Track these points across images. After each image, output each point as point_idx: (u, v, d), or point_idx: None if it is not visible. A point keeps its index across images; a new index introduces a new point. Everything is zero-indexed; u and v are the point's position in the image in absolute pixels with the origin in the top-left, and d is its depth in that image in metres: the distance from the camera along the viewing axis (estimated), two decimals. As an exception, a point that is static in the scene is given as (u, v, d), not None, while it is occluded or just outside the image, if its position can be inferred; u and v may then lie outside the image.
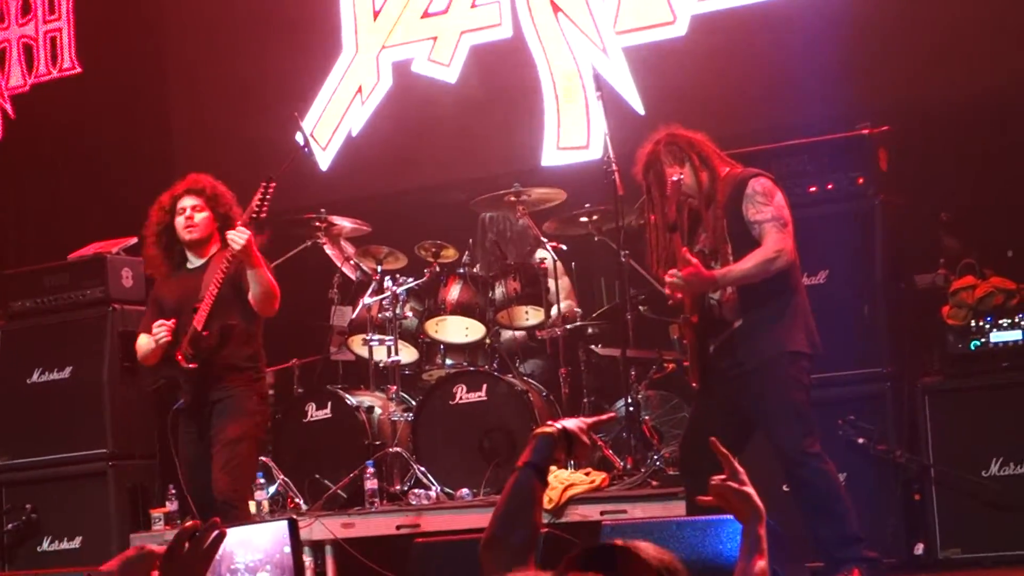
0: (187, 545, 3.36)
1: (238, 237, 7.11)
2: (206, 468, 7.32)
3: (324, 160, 10.03)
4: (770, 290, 6.38)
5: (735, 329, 6.47)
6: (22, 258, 9.07)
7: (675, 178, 6.42)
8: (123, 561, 3.42)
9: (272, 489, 8.76)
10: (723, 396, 6.51)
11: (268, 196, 7.25)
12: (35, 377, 9.35)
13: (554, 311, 8.82)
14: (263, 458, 8.81)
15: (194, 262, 7.48)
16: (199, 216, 7.39)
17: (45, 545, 9.16)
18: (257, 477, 8.16)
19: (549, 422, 3.98)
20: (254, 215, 7.22)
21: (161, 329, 7.29)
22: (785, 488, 6.52)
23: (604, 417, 4.44)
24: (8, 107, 11.12)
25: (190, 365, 7.32)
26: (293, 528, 7.01)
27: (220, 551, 3.52)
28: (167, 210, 7.43)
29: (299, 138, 9.40)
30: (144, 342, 7.46)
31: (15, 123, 11.02)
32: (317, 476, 8.77)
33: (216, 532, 3.43)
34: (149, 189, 7.71)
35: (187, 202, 7.40)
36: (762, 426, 6.51)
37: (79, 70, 10.87)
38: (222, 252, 7.33)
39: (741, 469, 3.69)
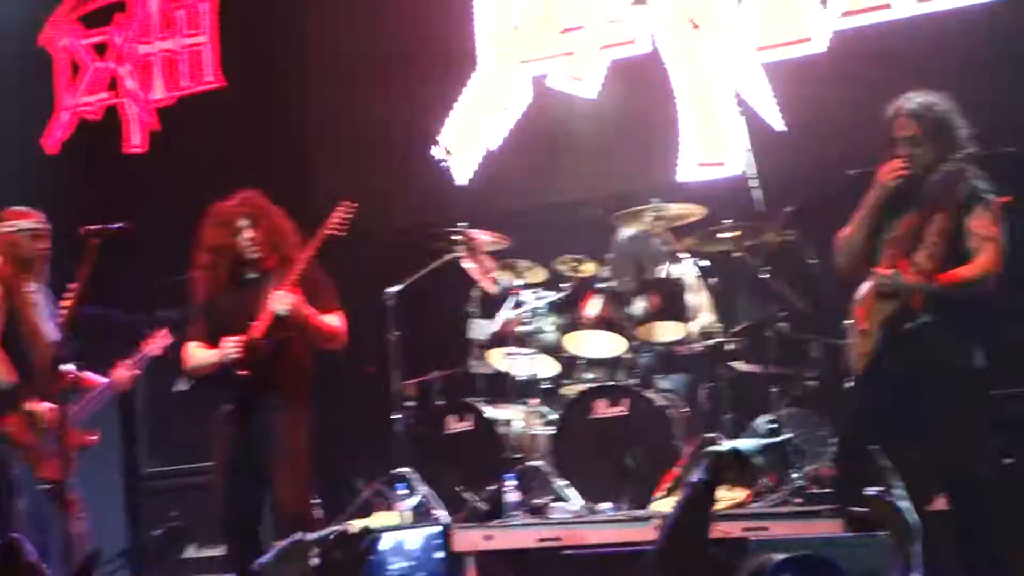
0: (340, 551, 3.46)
1: (281, 304, 7.28)
2: (249, 476, 7.40)
3: (463, 174, 10.15)
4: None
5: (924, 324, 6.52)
6: (168, 268, 9.15)
7: None
8: (280, 550, 3.51)
9: (412, 500, 8.84)
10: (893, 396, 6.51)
11: (347, 217, 7.38)
12: (181, 384, 9.32)
13: (694, 326, 8.87)
14: (404, 469, 9.01)
15: (251, 275, 7.58)
16: (257, 234, 7.50)
17: (191, 552, 9.33)
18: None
19: (719, 440, 4.05)
20: (330, 234, 7.35)
21: (233, 347, 7.38)
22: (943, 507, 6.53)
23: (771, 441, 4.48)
24: (153, 120, 11.38)
25: (241, 372, 7.39)
26: (446, 534, 7.16)
27: (373, 555, 3.63)
28: (224, 227, 7.55)
29: (438, 152, 9.75)
30: (199, 353, 7.56)
31: (159, 135, 11.30)
32: (458, 488, 8.85)
33: (370, 536, 3.58)
34: (288, 200, 7.84)
35: (244, 221, 7.51)
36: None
37: (222, 84, 11.12)
38: (279, 267, 7.47)
39: (900, 482, 3.67)
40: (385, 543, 6.84)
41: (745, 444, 4.04)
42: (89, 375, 8.10)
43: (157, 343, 8.30)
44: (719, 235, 8.85)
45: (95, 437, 7.90)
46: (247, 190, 7.65)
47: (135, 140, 11.39)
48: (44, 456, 7.64)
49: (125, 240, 7.81)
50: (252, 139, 10.60)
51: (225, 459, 7.52)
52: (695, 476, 3.91)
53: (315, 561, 3.58)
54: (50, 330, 7.80)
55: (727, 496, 7.97)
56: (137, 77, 11.44)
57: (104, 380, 8.12)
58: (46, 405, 7.64)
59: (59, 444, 7.55)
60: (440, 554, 7.18)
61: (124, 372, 8.15)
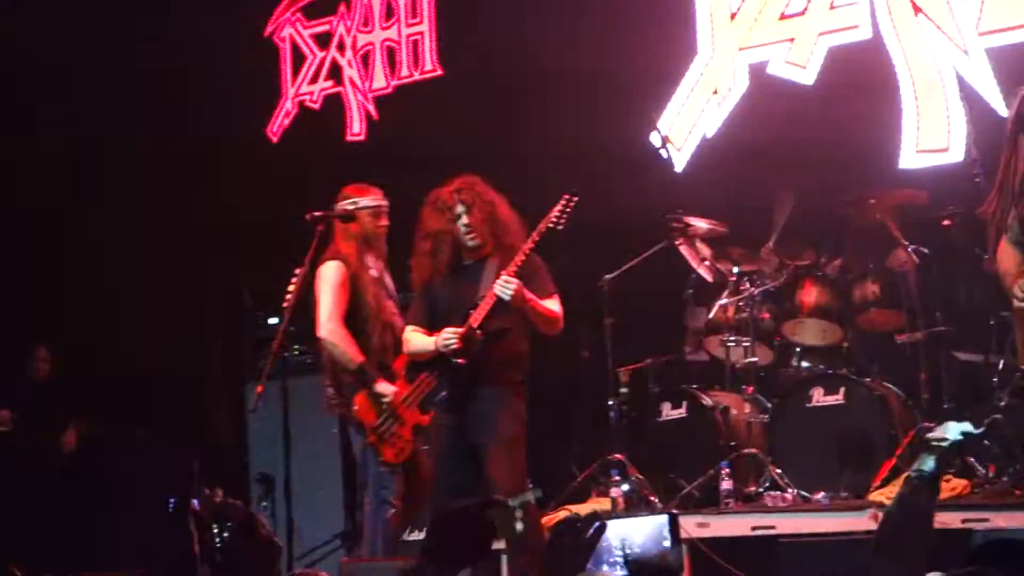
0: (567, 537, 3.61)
1: (505, 289, 7.43)
2: (463, 461, 7.58)
3: (680, 161, 10.33)
4: None
5: None
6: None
7: None
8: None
9: (626, 486, 9.08)
10: None
11: (568, 209, 7.54)
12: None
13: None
14: (618, 456, 9.26)
15: (468, 261, 7.76)
16: (474, 220, 7.66)
17: (412, 536, 9.06)
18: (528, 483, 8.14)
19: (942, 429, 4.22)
20: (551, 225, 7.51)
21: (452, 338, 7.56)
22: None
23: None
24: (371, 108, 11.85)
25: (458, 361, 7.58)
26: (674, 523, 7.44)
27: (601, 542, 3.68)
28: (442, 212, 7.73)
29: (655, 139, 9.91)
30: (417, 338, 7.75)
31: (378, 124, 11.74)
32: (672, 475, 9.07)
33: (598, 523, 3.58)
34: (508, 188, 8.04)
35: (461, 207, 7.68)
36: None
37: (440, 72, 11.51)
38: (498, 252, 7.66)
39: None
40: (612, 530, 7.09)
41: (962, 429, 4.14)
42: None
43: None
44: (942, 223, 8.92)
45: (427, 417, 8.00)
46: (466, 175, 7.83)
47: (355, 128, 11.88)
48: (387, 438, 7.93)
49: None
50: (468, 128, 10.94)
51: (441, 447, 7.77)
52: (923, 468, 3.92)
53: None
54: (391, 309, 8.15)
55: (944, 487, 7.73)
56: (357, 66, 11.93)
57: None
58: (391, 386, 7.92)
59: (400, 425, 7.89)
60: (667, 543, 7.44)
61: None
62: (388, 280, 8.28)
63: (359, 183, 8.31)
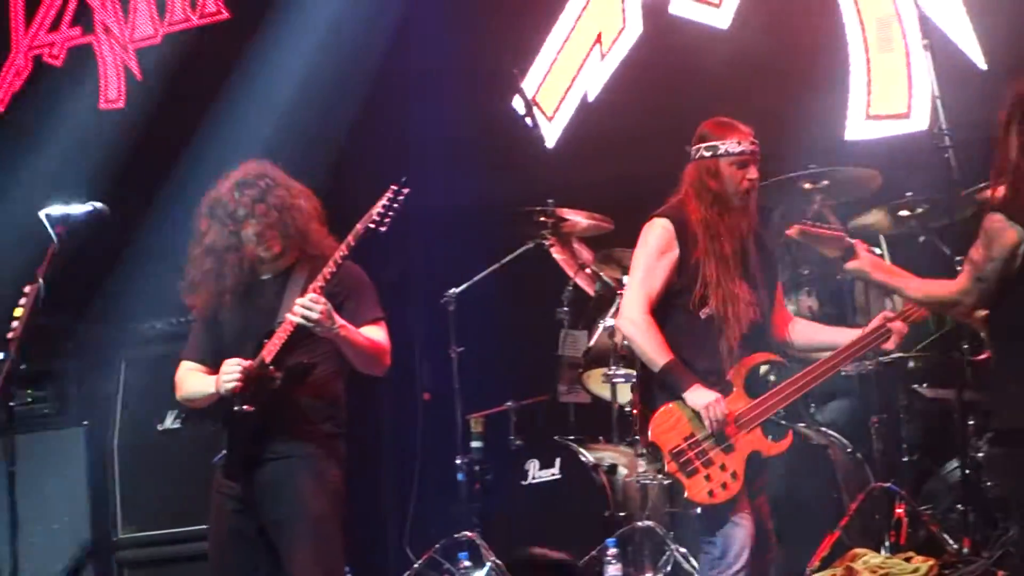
0: None
1: (309, 313, 7.15)
2: (252, 547, 7.32)
3: (551, 134, 10.29)
4: None
5: None
6: (156, 264, 9.23)
7: None
8: None
9: (479, 575, 9.05)
10: None
11: (396, 205, 7.24)
12: (168, 423, 9.60)
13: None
14: (468, 533, 9.12)
15: (266, 275, 7.54)
16: (268, 222, 7.38)
17: None
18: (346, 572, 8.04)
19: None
20: (372, 226, 7.21)
21: (234, 371, 7.26)
22: None
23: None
24: (133, 65, 11.57)
25: (245, 407, 7.29)
26: None
27: None
28: (225, 221, 7.44)
29: (518, 104, 9.78)
30: (194, 379, 7.53)
31: (141, 87, 11.50)
32: (537, 554, 8.92)
33: None
34: (315, 176, 7.86)
35: (244, 210, 7.39)
36: None
37: (226, 15, 11.27)
38: (306, 262, 7.45)
39: None
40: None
41: None
42: None
43: None
44: (899, 212, 8.86)
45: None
46: (254, 161, 7.59)
47: (111, 93, 11.65)
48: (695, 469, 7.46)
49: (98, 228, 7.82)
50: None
51: (221, 524, 7.47)
52: None
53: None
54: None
55: (905, 568, 8.07)
56: (114, 8, 11.67)
57: None
58: (712, 394, 7.45)
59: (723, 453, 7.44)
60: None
61: None
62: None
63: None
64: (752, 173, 7.55)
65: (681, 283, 7.47)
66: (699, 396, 7.32)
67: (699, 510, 7.42)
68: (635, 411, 8.00)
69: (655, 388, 7.49)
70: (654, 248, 7.54)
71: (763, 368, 7.48)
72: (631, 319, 7.46)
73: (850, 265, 7.13)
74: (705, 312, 7.38)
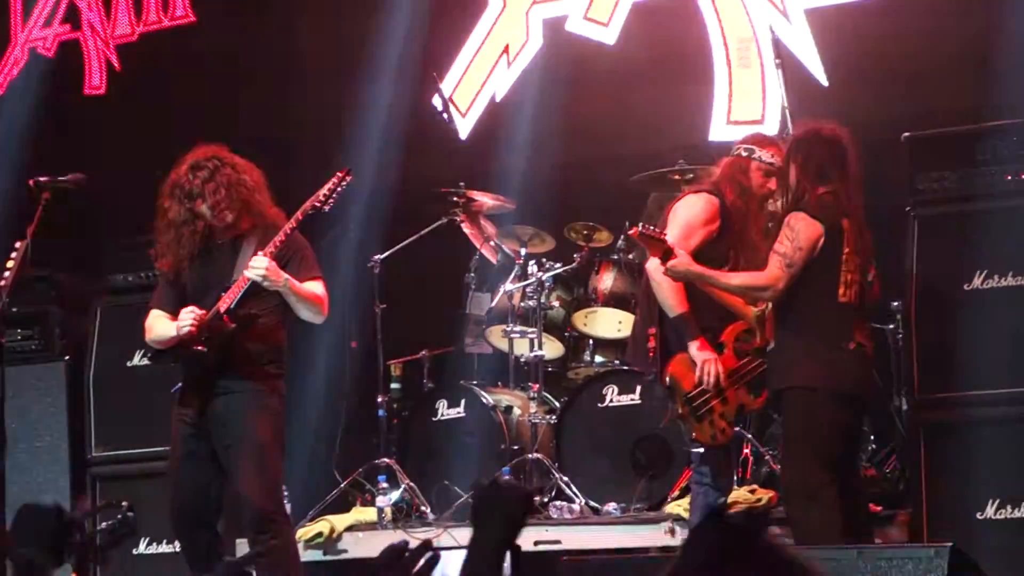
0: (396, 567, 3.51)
1: (257, 270, 7.72)
2: (205, 465, 7.86)
3: (464, 128, 10.62)
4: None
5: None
6: (127, 224, 9.76)
7: None
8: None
9: (396, 495, 9.36)
10: None
11: (340, 188, 7.89)
12: (136, 360, 9.84)
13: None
14: (387, 459, 9.57)
15: (222, 240, 8.05)
16: (221, 197, 7.88)
17: (142, 547, 9.72)
18: (283, 489, 8.42)
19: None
20: (318, 205, 7.85)
21: (188, 318, 7.82)
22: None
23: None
24: (113, 58, 11.82)
25: (198, 347, 7.84)
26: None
27: None
28: (183, 201, 7.93)
29: (437, 102, 10.23)
30: (160, 324, 8.01)
31: (120, 76, 11.78)
32: (447, 482, 9.40)
33: (429, 554, 3.57)
34: (272, 150, 8.43)
35: (196, 189, 7.88)
36: None
37: (192, 19, 11.52)
38: (257, 231, 7.94)
39: None
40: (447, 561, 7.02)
41: None
42: None
43: None
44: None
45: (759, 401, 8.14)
46: (205, 144, 8.06)
47: (95, 80, 11.88)
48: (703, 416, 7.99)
49: (79, 194, 8.43)
50: (224, 82, 11.20)
51: (178, 446, 8.01)
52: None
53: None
54: None
55: (748, 498, 8.62)
56: (98, 9, 11.87)
57: None
58: (710, 353, 7.94)
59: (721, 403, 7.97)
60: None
61: None
62: None
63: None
64: (772, 184, 7.91)
65: (713, 252, 7.91)
66: (699, 352, 7.89)
67: (702, 449, 7.98)
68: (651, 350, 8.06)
69: (670, 333, 7.97)
70: (700, 216, 7.96)
71: (746, 334, 7.97)
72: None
73: (671, 264, 7.51)
74: None
